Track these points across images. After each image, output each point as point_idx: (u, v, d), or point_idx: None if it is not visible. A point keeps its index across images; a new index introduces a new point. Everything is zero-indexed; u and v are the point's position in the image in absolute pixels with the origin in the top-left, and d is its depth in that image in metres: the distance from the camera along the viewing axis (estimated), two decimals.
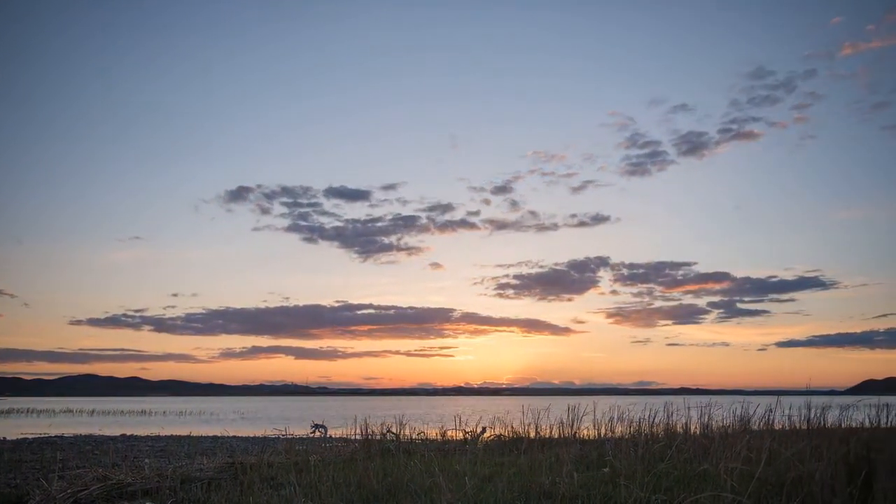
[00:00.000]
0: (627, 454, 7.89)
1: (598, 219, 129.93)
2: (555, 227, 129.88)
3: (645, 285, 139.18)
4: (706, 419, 10.74)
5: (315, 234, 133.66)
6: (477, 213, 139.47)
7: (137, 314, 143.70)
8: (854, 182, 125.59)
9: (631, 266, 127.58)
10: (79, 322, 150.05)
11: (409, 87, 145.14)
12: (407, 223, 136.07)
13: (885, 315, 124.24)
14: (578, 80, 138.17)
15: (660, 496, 5.82)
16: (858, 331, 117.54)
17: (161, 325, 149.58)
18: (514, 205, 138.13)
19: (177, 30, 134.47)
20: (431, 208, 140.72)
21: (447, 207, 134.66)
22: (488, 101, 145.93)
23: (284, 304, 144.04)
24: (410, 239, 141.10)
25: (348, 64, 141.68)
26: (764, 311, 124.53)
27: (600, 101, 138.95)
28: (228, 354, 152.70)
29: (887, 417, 8.30)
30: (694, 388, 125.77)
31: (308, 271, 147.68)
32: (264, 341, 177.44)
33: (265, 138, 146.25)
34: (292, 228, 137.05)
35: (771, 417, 9.63)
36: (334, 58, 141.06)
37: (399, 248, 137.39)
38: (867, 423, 8.35)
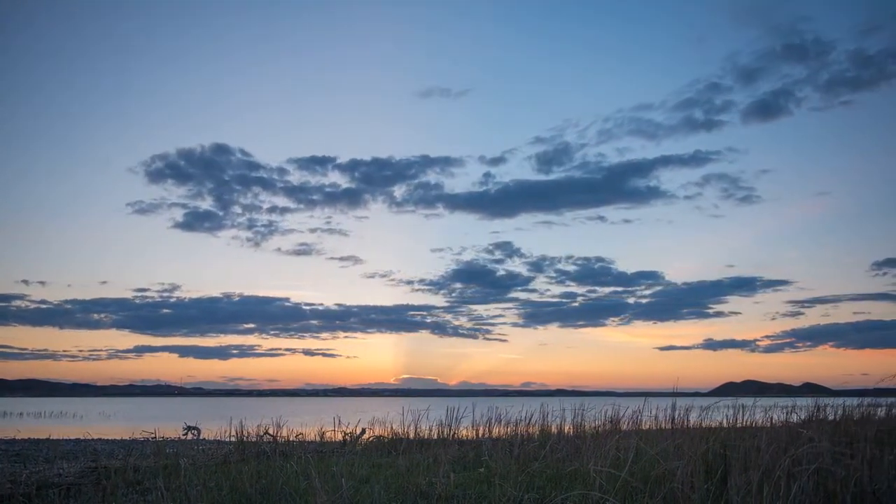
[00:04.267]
0: (504, 454, 8.08)
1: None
2: (501, 216, 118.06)
3: (572, 284, 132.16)
4: (580, 420, 11.18)
5: (215, 216, 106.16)
6: (404, 195, 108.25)
7: None
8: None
9: (560, 262, 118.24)
10: None
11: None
12: (321, 204, 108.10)
13: (777, 318, 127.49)
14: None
15: (532, 495, 5.98)
16: (748, 336, 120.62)
17: (21, 317, 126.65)
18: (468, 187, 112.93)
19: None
20: (363, 184, 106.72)
21: (381, 182, 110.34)
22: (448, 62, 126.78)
23: (170, 296, 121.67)
24: (328, 223, 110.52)
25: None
26: (671, 315, 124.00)
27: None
28: (104, 351, 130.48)
29: (743, 417, 8.86)
30: (570, 389, 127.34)
31: (202, 258, 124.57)
32: (145, 339, 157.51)
33: (157, 102, 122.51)
34: (186, 207, 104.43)
35: (639, 418, 10.13)
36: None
37: (312, 231, 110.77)
38: (725, 423, 8.89)
